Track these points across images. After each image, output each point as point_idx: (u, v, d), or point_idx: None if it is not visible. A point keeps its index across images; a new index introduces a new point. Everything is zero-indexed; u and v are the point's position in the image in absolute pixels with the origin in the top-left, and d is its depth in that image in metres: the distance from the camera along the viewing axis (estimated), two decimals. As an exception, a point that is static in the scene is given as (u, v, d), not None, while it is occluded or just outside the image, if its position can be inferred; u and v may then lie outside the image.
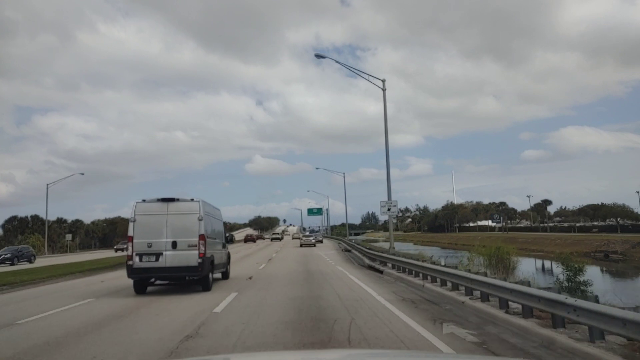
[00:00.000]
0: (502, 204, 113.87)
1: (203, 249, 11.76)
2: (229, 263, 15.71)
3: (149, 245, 11.57)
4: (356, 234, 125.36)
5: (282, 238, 72.51)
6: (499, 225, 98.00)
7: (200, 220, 11.81)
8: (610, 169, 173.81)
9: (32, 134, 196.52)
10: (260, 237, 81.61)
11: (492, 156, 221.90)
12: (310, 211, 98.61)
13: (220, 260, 13.99)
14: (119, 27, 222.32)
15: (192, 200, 12.12)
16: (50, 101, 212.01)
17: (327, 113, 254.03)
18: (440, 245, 70.92)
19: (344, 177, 54.77)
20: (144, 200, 12.02)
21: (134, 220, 11.73)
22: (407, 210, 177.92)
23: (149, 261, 11.51)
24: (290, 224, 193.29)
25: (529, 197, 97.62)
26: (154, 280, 12.35)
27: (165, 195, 12.26)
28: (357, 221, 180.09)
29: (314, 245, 45.39)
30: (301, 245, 45.27)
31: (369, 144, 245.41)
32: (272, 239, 69.48)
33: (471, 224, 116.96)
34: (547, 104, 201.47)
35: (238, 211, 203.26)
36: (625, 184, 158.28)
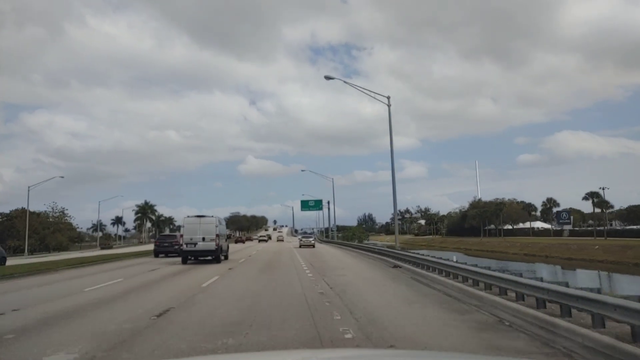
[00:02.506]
0: (550, 200, 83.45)
1: (217, 241, 24.54)
2: (228, 250, 28.72)
3: (191, 239, 24.22)
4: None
5: (267, 240, 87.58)
6: (569, 227, 65.42)
7: (216, 227, 24.55)
8: (605, 174, 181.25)
9: (20, 131, 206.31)
10: (249, 239, 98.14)
11: (487, 160, 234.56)
12: (305, 204, 62.82)
13: (225, 248, 26.98)
14: (109, 21, 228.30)
15: (212, 216, 25.73)
16: (39, 98, 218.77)
17: (322, 114, 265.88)
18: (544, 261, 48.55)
19: (389, 102, 28.99)
20: (188, 216, 25.61)
21: (184, 226, 25.05)
22: (407, 211, 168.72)
23: (191, 247, 24.35)
24: (284, 225, 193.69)
25: (603, 189, 66.36)
26: (191, 257, 25.19)
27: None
28: (353, 223, 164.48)
29: (313, 246, 49.98)
30: (300, 246, 49.56)
31: (364, 146, 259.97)
32: (259, 240, 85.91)
33: (509, 226, 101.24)
34: (545, 107, 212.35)
35: (230, 212, 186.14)
36: (621, 190, 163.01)
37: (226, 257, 27.40)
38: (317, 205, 78.73)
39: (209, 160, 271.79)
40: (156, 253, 34.25)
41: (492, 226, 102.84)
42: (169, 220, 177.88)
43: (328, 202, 78.17)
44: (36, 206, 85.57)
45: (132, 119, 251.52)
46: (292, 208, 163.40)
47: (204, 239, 24.37)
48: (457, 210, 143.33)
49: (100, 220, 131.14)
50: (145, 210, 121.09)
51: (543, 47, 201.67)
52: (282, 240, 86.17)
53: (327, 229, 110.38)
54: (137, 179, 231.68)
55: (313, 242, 53.15)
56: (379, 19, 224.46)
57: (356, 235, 66.12)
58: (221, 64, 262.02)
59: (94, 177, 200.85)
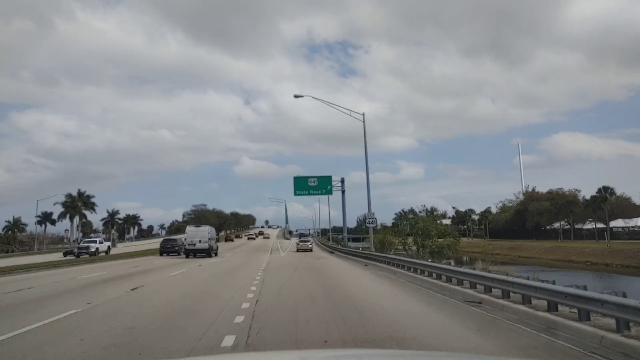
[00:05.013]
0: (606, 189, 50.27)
1: (209, 242, 39.47)
2: (217, 249, 44.27)
3: (191, 241, 38.77)
4: (355, 240, 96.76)
5: (255, 238, 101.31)
6: None
7: (208, 233, 39.90)
8: (603, 176, 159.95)
9: (10, 131, 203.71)
10: (238, 236, 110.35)
11: (485, 161, 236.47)
12: (302, 185, 48.70)
13: (214, 247, 41.91)
14: (99, 16, 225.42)
15: (206, 226, 42.75)
16: (28, 96, 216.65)
17: (318, 113, 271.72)
18: None
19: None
20: (189, 226, 43.73)
21: (187, 233, 40.45)
22: (412, 211, 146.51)
23: (191, 246, 38.53)
24: (278, 226, 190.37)
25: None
26: (192, 254, 38.93)
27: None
28: (352, 224, 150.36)
29: (311, 250, 49.94)
30: (297, 250, 49.06)
31: (361, 147, 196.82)
32: (248, 238, 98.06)
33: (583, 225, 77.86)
34: (544, 107, 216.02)
35: (194, 205, 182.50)
36: (618, 192, 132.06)
37: (216, 254, 41.24)
38: (323, 185, 45.95)
39: (204, 161, 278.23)
40: (161, 252, 43.96)
41: (557, 225, 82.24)
42: (133, 219, 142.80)
43: (342, 181, 43.60)
44: (32, 207, 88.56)
45: (124, 118, 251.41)
46: (285, 201, 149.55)
47: (200, 241, 38.50)
48: (501, 204, 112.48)
49: (19, 218, 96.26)
50: (74, 203, 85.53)
51: (545, 45, 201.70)
52: (268, 238, 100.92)
53: (325, 230, 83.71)
54: (130, 179, 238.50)
55: (311, 245, 53.78)
56: (378, 14, 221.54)
57: (433, 242, 28.78)
58: (215, 61, 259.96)
59: (87, 177, 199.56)
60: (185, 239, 40.00)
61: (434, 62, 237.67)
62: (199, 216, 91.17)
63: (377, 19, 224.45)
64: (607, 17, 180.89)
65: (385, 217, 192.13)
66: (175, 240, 47.28)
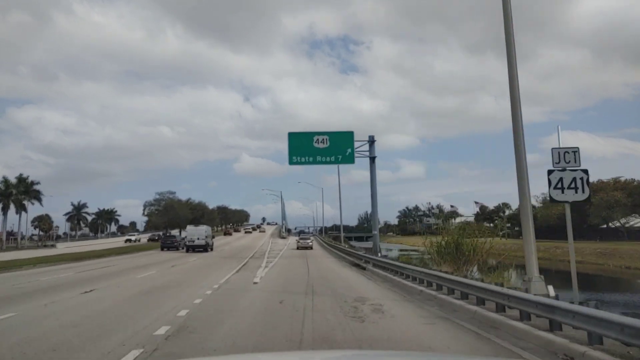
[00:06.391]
0: None
1: (206, 240, 46.88)
2: (213, 244, 51.20)
3: (191, 239, 46.61)
4: (357, 239, 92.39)
5: (252, 232, 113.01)
6: None
7: (205, 231, 47.65)
8: (604, 175, 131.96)
9: (8, 127, 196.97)
10: (237, 230, 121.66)
11: (486, 160, 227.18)
12: (300, 144, 28.21)
13: (211, 244, 49.39)
14: (98, 9, 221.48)
15: (204, 225, 52.65)
16: (26, 92, 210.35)
17: (318, 110, 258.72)
18: None
19: None
20: (189, 225, 52.43)
21: (187, 231, 49.25)
22: (417, 209, 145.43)
23: (191, 243, 46.00)
24: (276, 223, 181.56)
25: None
26: (192, 250, 45.77)
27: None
28: (353, 223, 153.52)
29: (311, 248, 52.15)
30: (298, 248, 51.47)
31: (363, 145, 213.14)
32: (245, 232, 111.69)
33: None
34: (547, 105, 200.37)
35: (157, 192, 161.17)
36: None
37: (212, 249, 47.32)
38: (339, 148, 27.83)
39: (203, 158, 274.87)
40: (162, 247, 49.96)
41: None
42: (108, 214, 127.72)
43: (371, 142, 24.68)
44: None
45: (123, 115, 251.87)
46: (281, 193, 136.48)
47: (198, 238, 44.98)
48: (542, 198, 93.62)
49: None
50: (8, 191, 66.13)
51: (550, 42, 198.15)
52: (264, 232, 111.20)
53: (328, 229, 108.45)
54: (129, 177, 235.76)
55: (311, 243, 54.42)
56: (381, 10, 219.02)
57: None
58: (216, 57, 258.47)
59: (86, 175, 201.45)
60: (186, 237, 47.89)
61: (437, 59, 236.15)
62: (166, 208, 72.80)
63: (380, 14, 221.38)
64: (614, 14, 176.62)
65: (387, 215, 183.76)
66: (174, 237, 56.31)
